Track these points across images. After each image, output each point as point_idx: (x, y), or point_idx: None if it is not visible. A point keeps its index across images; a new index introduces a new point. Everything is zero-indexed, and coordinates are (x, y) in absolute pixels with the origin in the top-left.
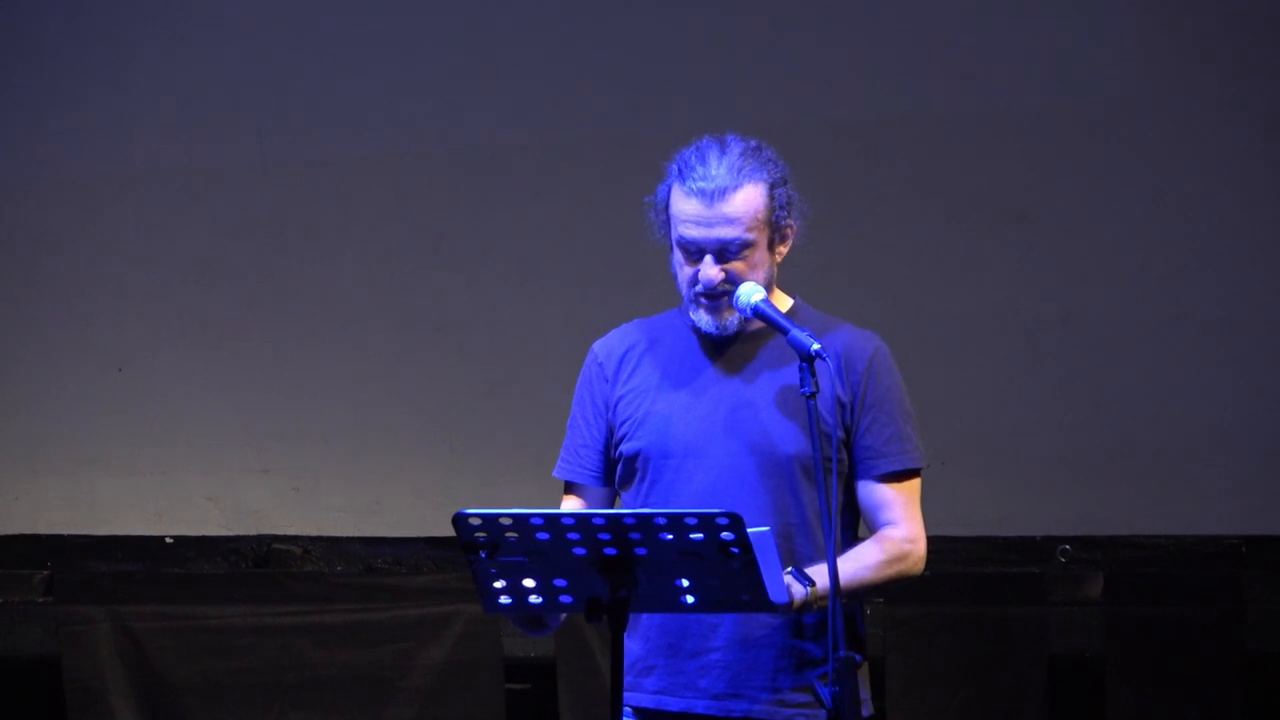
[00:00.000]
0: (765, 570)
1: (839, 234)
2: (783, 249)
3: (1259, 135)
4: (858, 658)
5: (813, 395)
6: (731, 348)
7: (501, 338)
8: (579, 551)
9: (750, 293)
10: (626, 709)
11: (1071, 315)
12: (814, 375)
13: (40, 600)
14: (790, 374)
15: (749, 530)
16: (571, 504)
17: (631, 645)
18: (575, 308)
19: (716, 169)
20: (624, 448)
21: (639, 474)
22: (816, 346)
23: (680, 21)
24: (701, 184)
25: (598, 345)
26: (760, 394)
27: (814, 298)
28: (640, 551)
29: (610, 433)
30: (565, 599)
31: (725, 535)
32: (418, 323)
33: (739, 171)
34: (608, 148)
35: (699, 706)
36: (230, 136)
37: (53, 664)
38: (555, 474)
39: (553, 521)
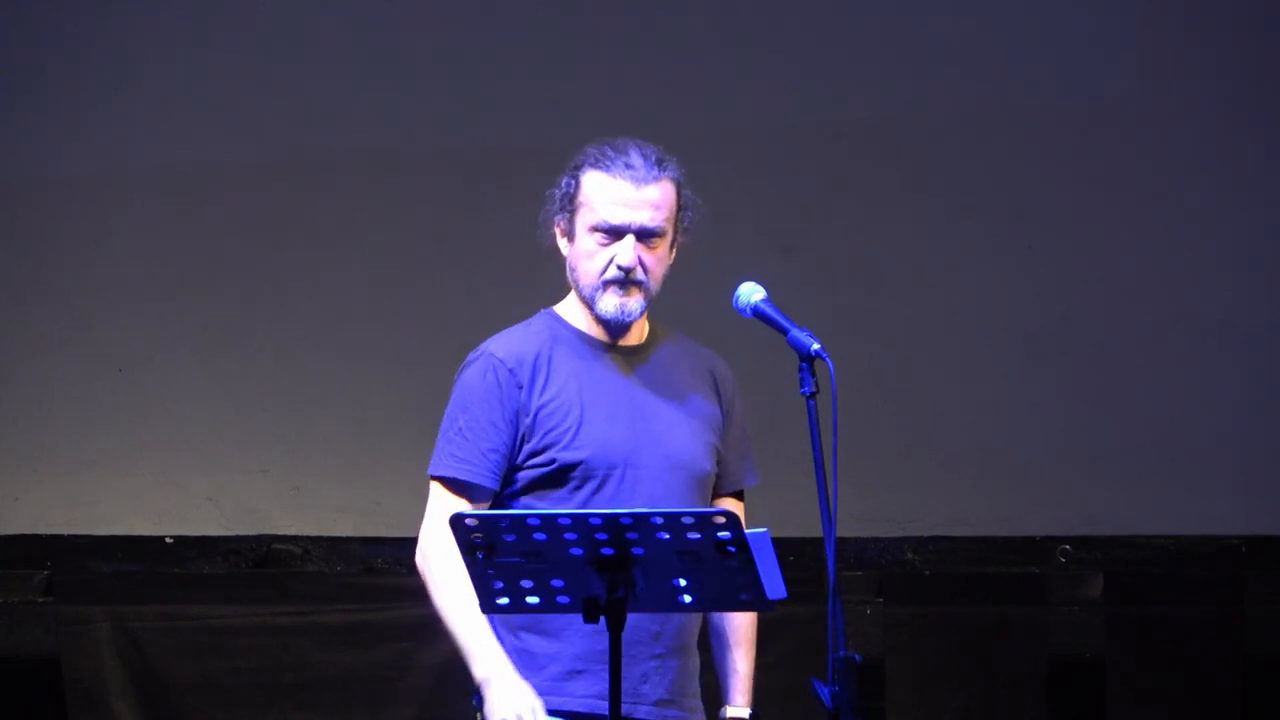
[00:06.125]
0: (763, 569)
1: (839, 233)
2: (674, 251)
3: (1259, 135)
4: (857, 658)
5: (813, 395)
6: (619, 354)
7: None
8: (576, 552)
9: (750, 292)
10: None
11: (1071, 315)
12: (814, 375)
13: (40, 600)
14: (679, 385)
15: (746, 530)
16: (462, 505)
17: (550, 646)
18: None
19: (640, 160)
20: (555, 455)
21: (574, 483)
22: (816, 346)
23: (680, 22)
24: (630, 171)
25: (499, 350)
26: (668, 406)
27: (815, 297)
28: (637, 551)
29: (519, 440)
30: (562, 599)
31: (722, 535)
32: (418, 323)
33: (660, 165)
34: None
35: (639, 712)
36: (230, 136)
37: (53, 664)
38: (452, 473)
39: (549, 522)
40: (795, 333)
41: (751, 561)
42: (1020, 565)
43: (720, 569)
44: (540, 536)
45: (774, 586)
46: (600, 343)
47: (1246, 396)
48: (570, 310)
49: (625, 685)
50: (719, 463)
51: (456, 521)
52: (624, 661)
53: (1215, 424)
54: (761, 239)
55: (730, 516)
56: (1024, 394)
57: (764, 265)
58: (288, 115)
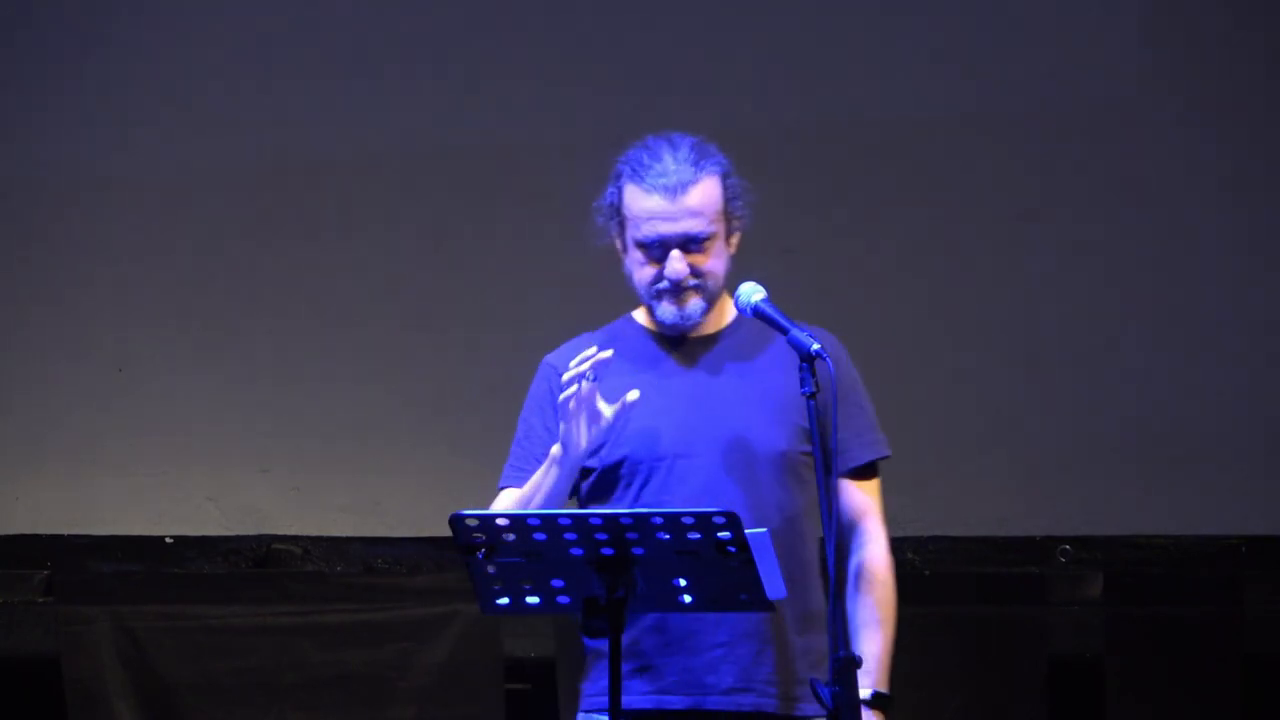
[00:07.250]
0: (763, 569)
1: (839, 234)
2: (734, 240)
3: (1260, 135)
4: (857, 658)
5: (813, 395)
6: (688, 347)
7: (501, 338)
8: (576, 552)
9: (751, 292)
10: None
11: (1072, 315)
12: (814, 375)
13: (40, 600)
14: (753, 368)
15: (746, 531)
16: None
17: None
18: (575, 308)
19: (673, 164)
20: (604, 456)
21: (624, 481)
22: (816, 346)
23: (680, 21)
24: (663, 180)
25: (554, 358)
26: (733, 391)
27: (815, 298)
28: (637, 551)
29: None
30: (562, 599)
31: (722, 535)
32: (418, 323)
33: (695, 165)
34: (608, 148)
35: (708, 703)
36: (230, 136)
37: (53, 664)
38: (507, 483)
39: (549, 522)
40: (795, 333)
41: (751, 561)
42: (1020, 565)
43: (720, 569)
44: (540, 536)
45: (774, 586)
46: (669, 338)
47: (1246, 396)
48: (641, 310)
49: (689, 678)
50: (823, 441)
51: (456, 521)
52: (683, 653)
53: (1215, 424)
54: (762, 240)
55: (730, 516)
56: (1024, 394)
57: (764, 265)
58: (286, 115)
